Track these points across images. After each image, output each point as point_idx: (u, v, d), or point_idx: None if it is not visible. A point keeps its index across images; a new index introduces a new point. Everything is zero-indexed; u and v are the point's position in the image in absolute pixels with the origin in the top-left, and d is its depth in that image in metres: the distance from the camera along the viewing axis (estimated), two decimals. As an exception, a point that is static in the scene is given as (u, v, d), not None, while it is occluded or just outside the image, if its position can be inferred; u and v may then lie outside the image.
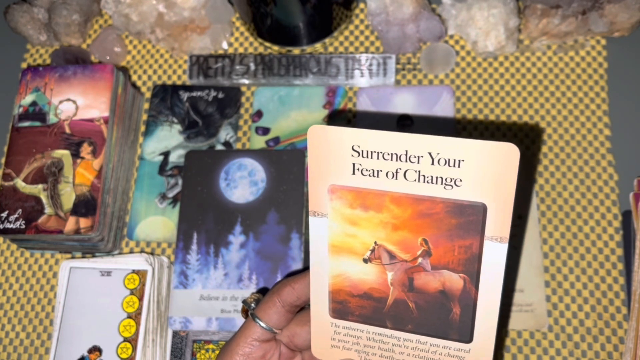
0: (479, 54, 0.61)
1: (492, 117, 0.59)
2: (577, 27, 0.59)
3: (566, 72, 0.60)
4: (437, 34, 0.61)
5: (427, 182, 0.31)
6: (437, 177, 0.31)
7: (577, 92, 0.59)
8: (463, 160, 0.30)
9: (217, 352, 0.52)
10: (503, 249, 0.31)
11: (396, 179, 0.31)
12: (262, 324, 0.37)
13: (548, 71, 0.60)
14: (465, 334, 0.35)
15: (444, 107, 0.59)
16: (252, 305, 0.39)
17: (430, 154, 0.30)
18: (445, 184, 0.31)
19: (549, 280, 0.53)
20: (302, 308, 0.39)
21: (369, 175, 0.32)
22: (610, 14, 0.58)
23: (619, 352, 0.50)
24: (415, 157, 0.30)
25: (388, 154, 0.31)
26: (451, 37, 0.63)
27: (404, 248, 0.33)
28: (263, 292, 0.51)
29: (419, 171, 0.31)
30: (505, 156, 0.29)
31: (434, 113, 0.59)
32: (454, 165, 0.30)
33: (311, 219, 0.34)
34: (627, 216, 0.53)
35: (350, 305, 0.36)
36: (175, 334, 0.53)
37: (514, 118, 0.59)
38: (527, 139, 0.58)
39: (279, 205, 0.54)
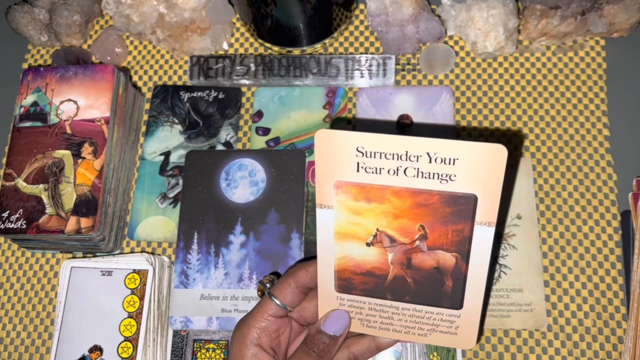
0: (479, 55, 0.61)
1: (491, 118, 0.59)
2: (576, 27, 0.59)
3: (565, 72, 0.60)
4: (436, 34, 0.61)
5: (425, 177, 0.34)
6: (434, 173, 0.34)
7: (576, 93, 0.59)
8: (457, 159, 0.33)
9: (217, 351, 0.52)
10: (491, 231, 0.35)
11: (397, 175, 0.34)
12: (278, 302, 0.41)
13: (547, 72, 0.61)
14: (457, 302, 0.39)
15: (443, 108, 0.59)
16: (268, 285, 0.43)
17: (428, 154, 0.33)
18: (441, 178, 0.34)
19: (548, 280, 0.53)
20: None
21: (372, 172, 0.35)
22: (609, 14, 0.58)
23: (618, 352, 0.50)
24: (414, 156, 0.33)
25: (390, 154, 0.34)
26: (450, 37, 0.63)
27: (403, 233, 0.37)
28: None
29: (418, 168, 0.34)
30: (494, 155, 0.32)
31: (434, 113, 0.59)
32: (449, 163, 0.33)
33: (318, 210, 0.37)
34: (626, 216, 0.54)
35: (354, 282, 0.40)
36: (176, 333, 0.53)
37: (513, 118, 0.59)
38: (527, 138, 0.58)
39: (279, 205, 0.54)
